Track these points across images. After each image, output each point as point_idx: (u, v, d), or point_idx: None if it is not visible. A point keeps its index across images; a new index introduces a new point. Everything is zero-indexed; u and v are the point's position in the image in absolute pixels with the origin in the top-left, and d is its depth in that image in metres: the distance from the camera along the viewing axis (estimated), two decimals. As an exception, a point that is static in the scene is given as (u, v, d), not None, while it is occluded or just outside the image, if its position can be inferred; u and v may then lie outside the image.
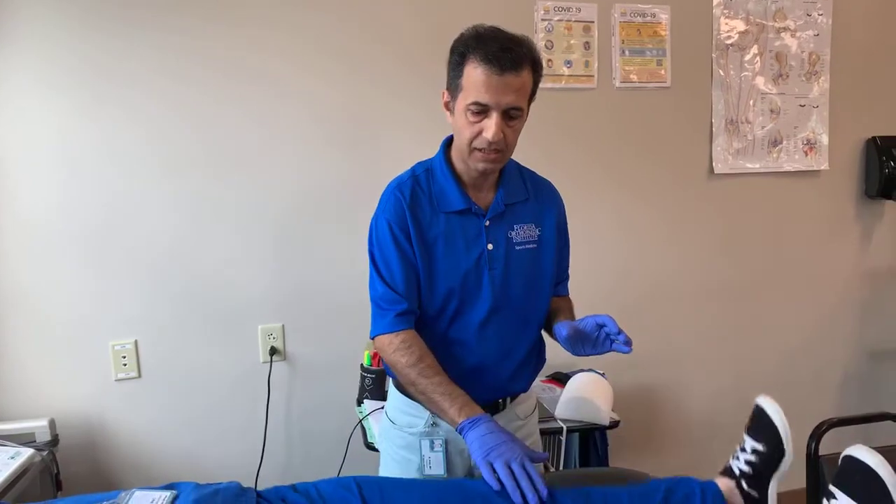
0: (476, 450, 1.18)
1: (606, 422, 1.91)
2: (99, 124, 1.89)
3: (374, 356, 2.00)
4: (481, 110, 1.23)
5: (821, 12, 2.47)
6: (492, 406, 1.38)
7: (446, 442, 1.38)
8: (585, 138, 2.26)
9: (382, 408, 1.89)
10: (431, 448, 1.38)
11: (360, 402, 2.00)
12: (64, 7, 1.83)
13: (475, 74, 1.22)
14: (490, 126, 1.23)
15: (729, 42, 2.39)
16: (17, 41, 1.81)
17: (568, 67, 2.24)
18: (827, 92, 2.49)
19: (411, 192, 1.35)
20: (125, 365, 1.97)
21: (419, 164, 1.42)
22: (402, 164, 2.05)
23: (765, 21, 2.42)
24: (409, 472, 1.40)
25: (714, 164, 2.40)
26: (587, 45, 2.26)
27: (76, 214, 1.90)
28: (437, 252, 1.34)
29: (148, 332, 1.98)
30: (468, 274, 1.34)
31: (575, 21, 2.24)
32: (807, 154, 2.51)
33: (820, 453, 1.61)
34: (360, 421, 1.91)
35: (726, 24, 2.38)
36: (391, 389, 1.49)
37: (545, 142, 2.23)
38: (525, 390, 1.47)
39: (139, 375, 1.99)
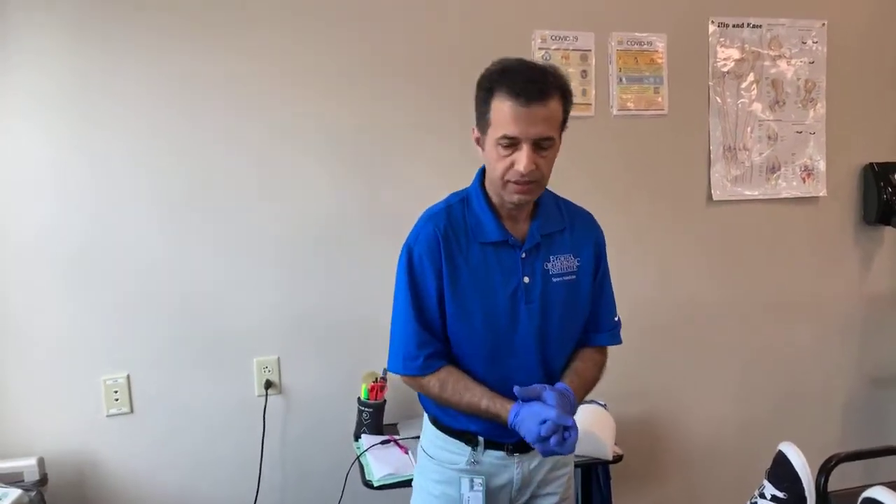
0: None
1: (610, 456, 1.88)
2: (91, 149, 1.87)
3: (372, 389, 1.96)
4: (511, 143, 1.23)
5: (815, 40, 2.48)
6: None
7: (486, 479, 1.36)
8: (584, 166, 2.25)
9: (381, 443, 1.88)
10: (471, 488, 1.36)
11: (357, 437, 1.95)
12: (53, 28, 1.81)
13: (502, 108, 1.22)
14: (521, 158, 1.23)
15: (725, 70, 2.40)
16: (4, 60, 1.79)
17: (565, 96, 2.24)
18: (823, 118, 2.50)
19: (445, 223, 1.33)
20: (117, 400, 1.93)
21: (454, 194, 1.40)
22: (404, 194, 2.06)
23: (760, 49, 2.43)
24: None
25: (712, 190, 2.39)
26: (584, 74, 2.25)
27: (65, 244, 1.87)
28: (471, 284, 1.31)
29: (140, 365, 1.94)
30: (504, 307, 1.32)
31: (572, 50, 2.24)
32: (804, 180, 2.50)
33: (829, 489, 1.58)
34: (358, 457, 1.86)
35: (722, 52, 2.39)
36: (426, 424, 1.46)
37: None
38: None
39: (131, 411, 1.95)
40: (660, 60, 2.33)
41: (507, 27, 2.16)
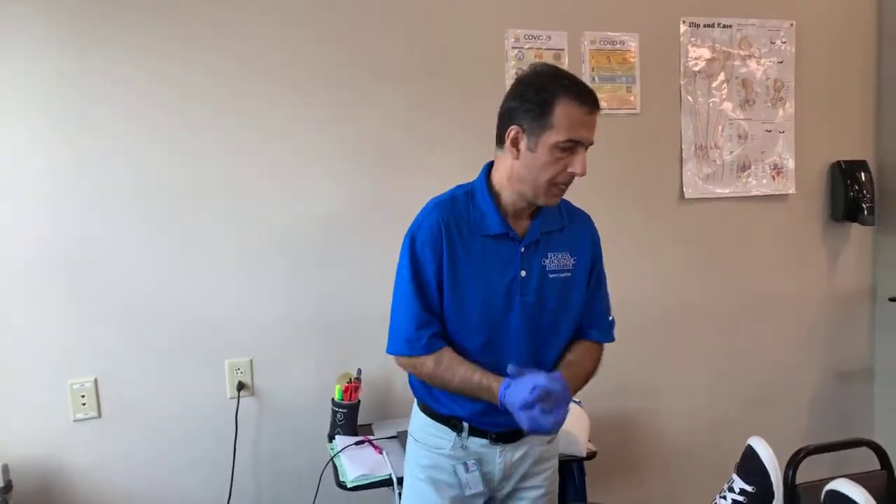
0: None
1: (584, 453, 1.88)
2: (58, 148, 1.83)
3: (346, 390, 1.94)
4: (571, 147, 1.29)
5: (784, 40, 2.52)
6: (517, 433, 1.40)
7: (479, 461, 1.42)
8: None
9: (355, 443, 1.86)
10: (467, 470, 1.42)
11: (331, 438, 1.94)
12: (40, 34, 1.78)
13: (571, 113, 1.27)
14: (579, 161, 1.30)
15: (696, 69, 2.42)
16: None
17: (539, 94, 2.24)
18: (792, 117, 2.54)
19: (449, 214, 1.37)
20: (84, 404, 1.89)
21: (458, 186, 1.45)
22: (380, 197, 2.05)
23: (730, 49, 2.46)
24: (440, 488, 1.43)
25: (684, 189, 2.41)
26: (558, 73, 2.26)
27: (28, 243, 1.82)
28: (469, 273, 1.36)
29: (108, 369, 1.90)
30: (499, 298, 1.37)
31: (545, 49, 2.24)
32: (774, 178, 2.54)
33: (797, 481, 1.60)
34: (332, 458, 1.84)
35: (693, 51, 2.41)
36: (415, 411, 1.52)
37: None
38: None
39: (99, 415, 1.91)
40: (632, 60, 2.34)
41: (481, 26, 2.16)
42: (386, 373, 2.12)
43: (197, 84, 1.91)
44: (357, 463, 1.76)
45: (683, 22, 2.39)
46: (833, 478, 1.50)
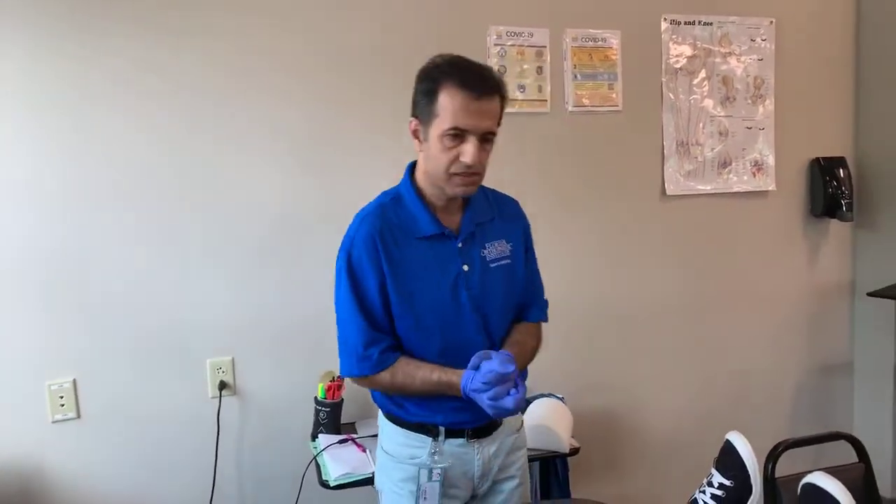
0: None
1: (566, 449, 1.89)
2: (31, 147, 1.80)
3: (329, 389, 1.93)
4: (458, 135, 1.25)
5: (764, 38, 2.54)
6: (490, 426, 1.41)
7: (445, 470, 1.38)
8: (540, 162, 2.26)
9: (338, 442, 1.86)
10: (429, 478, 1.37)
11: (314, 437, 1.93)
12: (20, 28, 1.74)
13: (454, 100, 1.24)
14: (469, 150, 1.25)
15: (678, 66, 2.43)
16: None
17: (521, 92, 2.25)
18: (772, 114, 2.56)
19: (380, 222, 1.34)
20: (63, 405, 1.86)
21: (384, 193, 1.42)
22: (358, 192, 2.02)
23: (711, 46, 2.47)
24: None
25: (666, 185, 2.43)
26: (540, 70, 2.26)
27: (5, 243, 1.80)
28: (411, 278, 1.34)
29: (87, 369, 1.88)
30: (445, 296, 1.35)
31: (527, 46, 2.25)
32: (755, 175, 2.56)
33: (776, 475, 1.62)
34: (315, 457, 1.83)
35: (675, 48, 2.43)
36: (383, 422, 1.47)
37: (499, 166, 2.21)
38: None
39: (78, 416, 1.88)
40: (614, 57, 2.35)
41: (463, 23, 2.15)
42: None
43: (188, 81, 1.89)
44: (340, 461, 1.76)
45: (665, 19, 2.40)
46: (811, 471, 1.52)
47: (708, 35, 2.47)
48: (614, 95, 2.36)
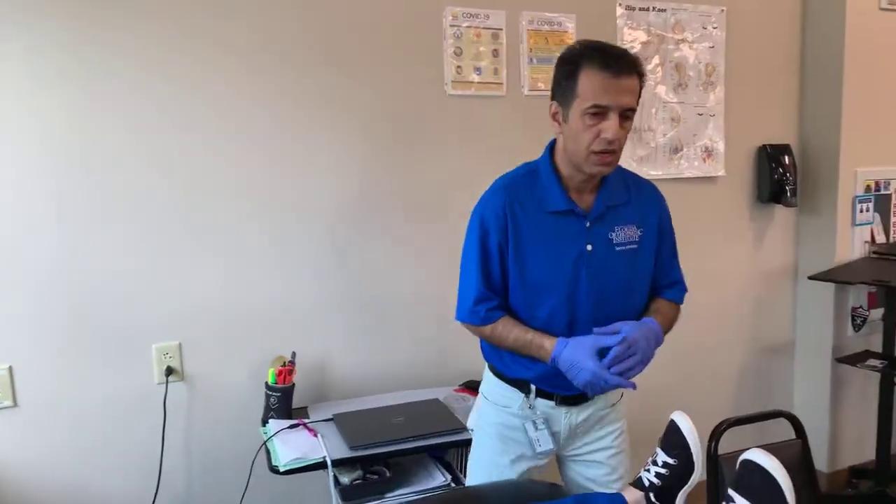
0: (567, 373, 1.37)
1: (519, 430, 1.91)
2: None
3: (280, 374, 1.90)
4: (600, 112, 1.32)
5: (715, 25, 2.58)
6: (581, 396, 1.48)
7: (546, 419, 1.50)
8: (496, 145, 2.26)
9: (289, 427, 1.83)
10: (536, 428, 1.49)
11: (264, 423, 1.89)
12: None
13: (593, 79, 1.31)
14: (610, 126, 1.32)
15: (632, 52, 2.44)
16: None
17: (478, 74, 2.23)
18: (722, 101, 2.61)
19: (512, 194, 1.43)
20: (-2, 393, 1.78)
21: (523, 165, 1.51)
22: (304, 177, 2.00)
23: (664, 32, 2.50)
24: (507, 444, 1.52)
25: (619, 170, 2.45)
26: (496, 53, 2.25)
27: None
28: (534, 249, 1.42)
29: (24, 356, 1.80)
30: (566, 272, 1.42)
31: (483, 28, 2.23)
32: (705, 161, 2.61)
33: (719, 452, 1.67)
34: (265, 443, 1.81)
35: (629, 34, 2.44)
36: (487, 373, 1.60)
37: (454, 149, 2.21)
38: None
39: (15, 404, 1.80)
40: (569, 41, 2.35)
41: (419, 4, 2.12)
42: (322, 355, 2.09)
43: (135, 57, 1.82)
44: (290, 447, 1.73)
45: (620, 5, 2.41)
46: (749, 448, 1.58)
47: (662, 22, 2.49)
48: (569, 80, 2.36)
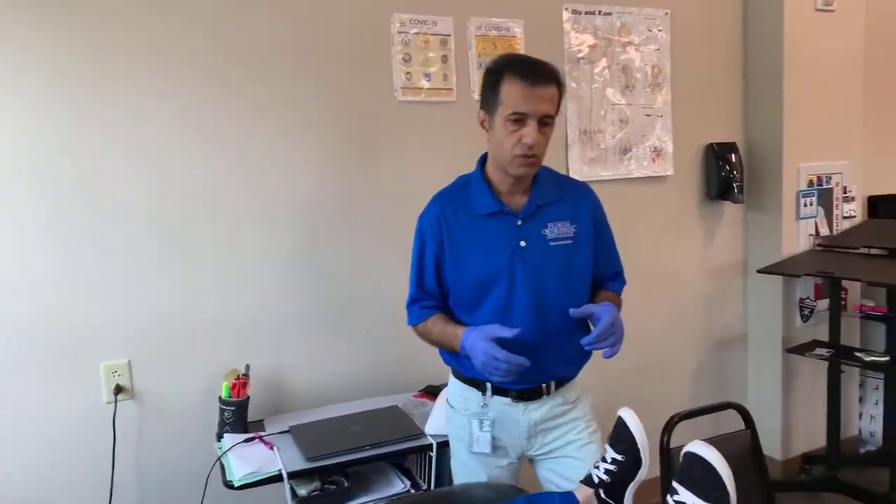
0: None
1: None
2: None
3: (234, 387, 1.88)
4: (520, 118, 1.42)
5: (660, 28, 2.64)
6: (536, 391, 1.54)
7: (494, 422, 1.54)
8: (446, 151, 2.26)
9: (245, 440, 1.81)
10: (480, 428, 1.55)
11: (219, 438, 1.86)
12: None
13: (514, 89, 1.42)
14: (529, 132, 1.42)
15: (580, 55, 2.49)
16: None
17: (427, 81, 2.24)
18: (669, 102, 2.67)
19: (446, 204, 1.55)
20: (-64, 420, 1.72)
21: (458, 177, 1.62)
22: (248, 185, 1.97)
23: (611, 36, 2.55)
24: (464, 449, 1.59)
25: (570, 173, 2.48)
26: (445, 59, 2.26)
27: None
28: (469, 252, 1.52)
29: (-36, 379, 1.74)
30: (502, 268, 1.50)
31: (432, 34, 2.24)
32: (654, 161, 2.67)
33: (672, 445, 1.70)
34: (219, 458, 1.78)
35: (576, 38, 2.48)
36: (450, 378, 1.66)
37: (407, 154, 2.21)
38: (572, 377, 1.62)
39: (-45, 430, 1.74)
40: (518, 46, 2.38)
41: (366, 10, 2.12)
42: (277, 367, 2.07)
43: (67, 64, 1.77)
44: (245, 461, 1.71)
45: (566, 9, 2.45)
46: (700, 440, 1.61)
47: (608, 25, 2.54)
48: (519, 84, 2.38)
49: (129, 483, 1.91)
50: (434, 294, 1.58)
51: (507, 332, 1.40)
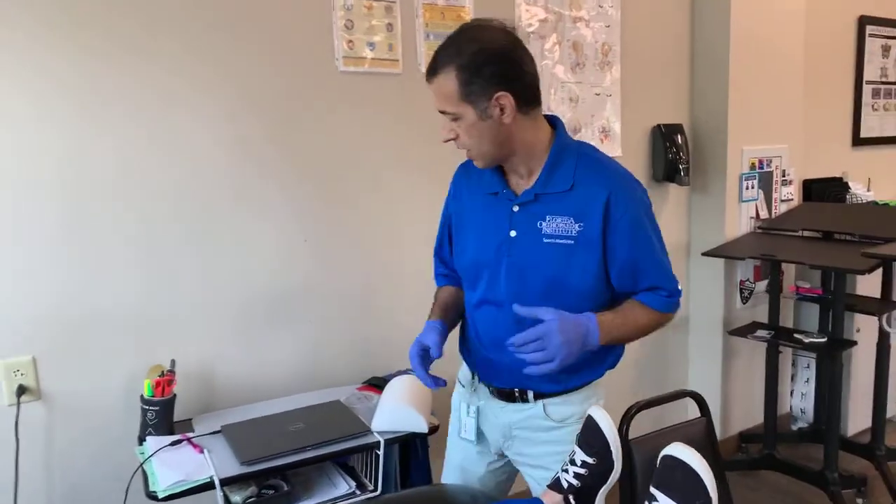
0: None
1: (425, 429, 1.80)
2: None
3: (157, 385, 1.69)
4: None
5: (611, 5, 2.56)
6: (509, 393, 1.42)
7: (479, 411, 1.48)
8: (393, 123, 2.12)
9: (171, 444, 1.63)
10: (468, 413, 1.49)
11: (141, 441, 1.68)
12: None
13: None
14: (441, 128, 1.32)
15: (530, 30, 2.39)
16: None
17: (371, 50, 2.08)
18: (618, 81, 2.61)
19: (464, 170, 1.47)
20: None
21: None
22: (169, 162, 1.76)
23: (562, 10, 2.45)
24: (454, 431, 1.57)
25: (521, 152, 2.39)
26: (390, 27, 2.10)
27: None
28: (469, 229, 1.43)
29: None
30: (488, 256, 1.36)
31: (375, 1, 2.07)
32: (602, 141, 2.61)
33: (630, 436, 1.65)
34: (141, 465, 1.59)
35: (527, 10, 2.37)
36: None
37: (349, 128, 2.06)
38: (557, 392, 1.40)
39: None
40: (466, 17, 2.25)
41: (303, -31, 1.93)
42: (206, 362, 1.89)
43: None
44: (172, 467, 1.53)
45: (517, -21, 2.34)
46: (658, 431, 1.56)
47: (559, -1, 2.44)
48: (468, 57, 2.26)
49: (36, 494, 1.70)
50: (447, 262, 1.55)
51: (429, 340, 1.37)
